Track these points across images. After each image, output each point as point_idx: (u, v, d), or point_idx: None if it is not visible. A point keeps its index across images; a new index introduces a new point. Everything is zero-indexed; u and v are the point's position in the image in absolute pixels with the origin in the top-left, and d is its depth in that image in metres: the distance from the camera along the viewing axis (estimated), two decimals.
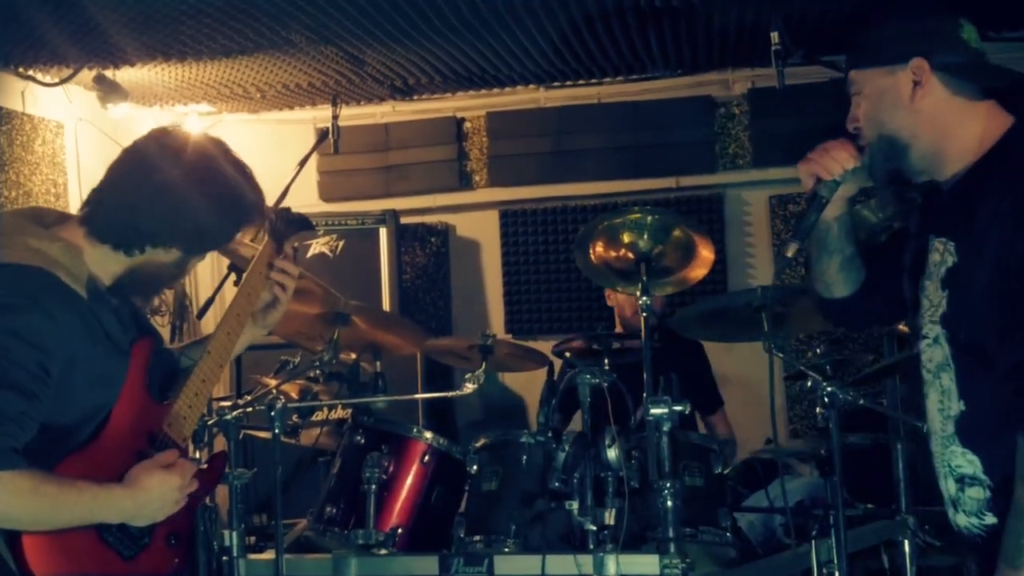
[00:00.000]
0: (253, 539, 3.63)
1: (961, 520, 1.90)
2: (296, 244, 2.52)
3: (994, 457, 1.83)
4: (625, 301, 4.17)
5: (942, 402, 1.90)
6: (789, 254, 2.01)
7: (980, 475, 1.85)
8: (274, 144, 5.51)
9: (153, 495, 1.96)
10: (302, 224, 2.50)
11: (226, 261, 3.08)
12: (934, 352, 1.91)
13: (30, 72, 4.45)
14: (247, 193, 2.13)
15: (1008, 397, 1.73)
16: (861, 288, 2.15)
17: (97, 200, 2.02)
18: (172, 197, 1.99)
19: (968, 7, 1.92)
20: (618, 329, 4.30)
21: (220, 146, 2.14)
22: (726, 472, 3.15)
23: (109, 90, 4.50)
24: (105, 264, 2.03)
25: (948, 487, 1.92)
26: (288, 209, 2.49)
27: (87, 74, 4.41)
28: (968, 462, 1.86)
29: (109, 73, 4.43)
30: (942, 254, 1.88)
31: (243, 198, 2.12)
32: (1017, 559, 1.71)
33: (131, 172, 2.02)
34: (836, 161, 1.98)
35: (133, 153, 2.05)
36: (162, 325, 5.10)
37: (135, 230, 2.00)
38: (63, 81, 4.52)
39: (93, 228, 2.00)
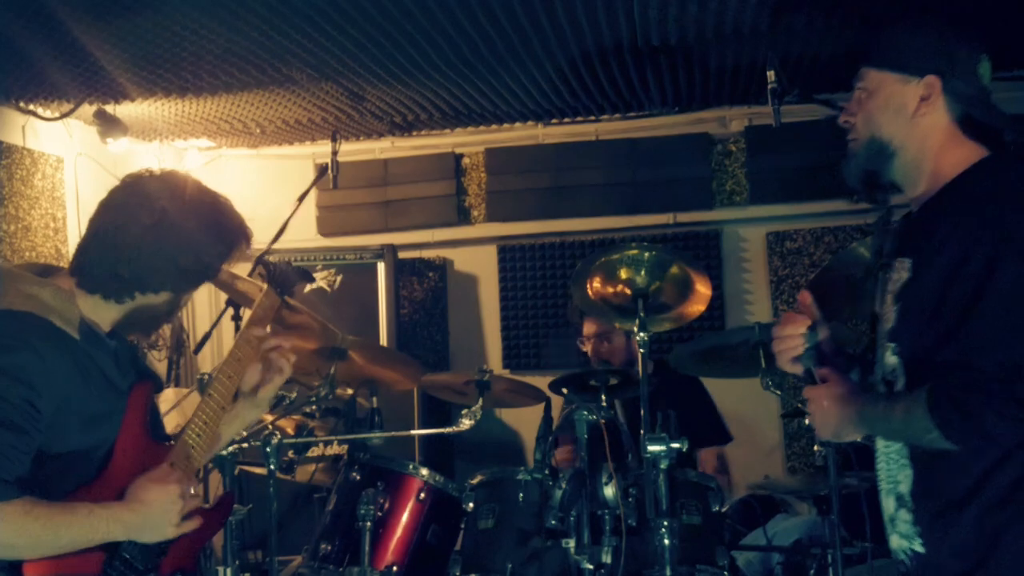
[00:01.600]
0: None
1: (895, 542, 1.93)
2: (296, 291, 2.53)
3: (925, 473, 1.85)
4: (589, 347, 4.18)
5: None
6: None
7: (908, 496, 1.88)
8: (274, 179, 5.53)
9: (154, 507, 1.97)
10: (302, 276, 2.52)
11: (224, 296, 3.09)
12: (879, 372, 1.96)
13: (31, 107, 4.47)
14: (226, 224, 2.13)
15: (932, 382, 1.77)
16: None
17: (82, 254, 2.05)
18: (151, 245, 2.01)
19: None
20: None
21: (193, 183, 2.14)
22: (724, 510, 3.13)
23: (109, 125, 4.53)
24: (99, 312, 2.05)
25: (888, 505, 1.94)
26: (288, 262, 2.51)
27: (87, 109, 4.44)
28: (906, 477, 1.89)
29: (109, 108, 4.45)
30: (899, 272, 1.92)
31: (223, 231, 2.12)
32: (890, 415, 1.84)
33: (109, 225, 2.03)
34: (793, 338, 2.05)
35: (108, 205, 2.06)
36: (159, 360, 5.09)
37: (120, 281, 2.02)
38: (63, 116, 4.54)
39: (82, 281, 2.03)
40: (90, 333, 2.01)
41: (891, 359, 1.91)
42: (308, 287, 4.95)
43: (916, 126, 1.95)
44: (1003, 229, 1.76)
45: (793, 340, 2.05)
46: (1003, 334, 1.72)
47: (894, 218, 2.08)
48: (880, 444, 1.96)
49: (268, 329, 2.38)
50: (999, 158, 1.93)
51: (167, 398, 4.38)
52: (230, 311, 3.64)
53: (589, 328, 4.14)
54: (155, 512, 1.97)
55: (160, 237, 2.02)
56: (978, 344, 1.73)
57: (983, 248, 1.75)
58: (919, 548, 1.87)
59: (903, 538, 1.90)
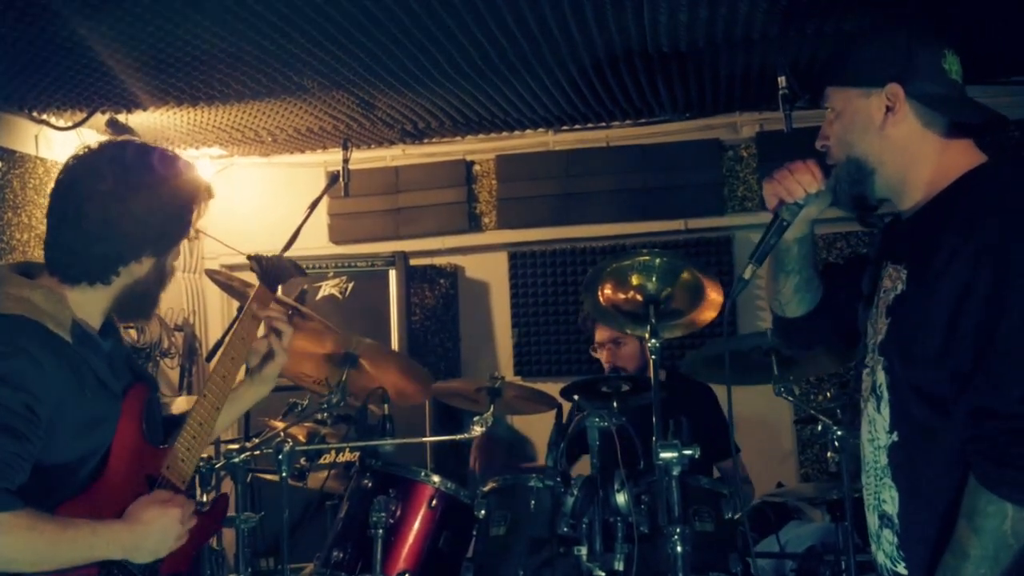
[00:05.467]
0: None
1: (880, 558, 1.88)
2: (306, 286, 2.55)
3: (911, 495, 1.80)
4: (603, 355, 4.17)
5: (870, 432, 1.89)
6: (746, 276, 2.01)
7: (894, 517, 1.82)
8: (285, 187, 5.55)
9: (152, 528, 1.96)
10: (294, 269, 2.52)
11: (236, 303, 3.10)
12: (867, 380, 1.90)
13: (43, 116, 4.50)
14: (180, 173, 2.11)
15: (964, 441, 1.69)
16: (814, 310, 2.13)
17: (53, 247, 2.02)
18: (116, 212, 1.98)
19: (971, 54, 1.91)
20: None
21: (133, 144, 2.12)
22: (737, 517, 3.12)
23: (121, 134, 4.54)
24: (89, 303, 2.03)
25: (872, 520, 1.90)
26: (279, 255, 2.51)
27: (100, 118, 4.46)
28: (891, 498, 1.83)
29: (121, 117, 4.47)
30: (894, 280, 1.86)
31: (179, 179, 2.10)
32: None
33: (68, 209, 2.00)
34: (800, 184, 1.95)
35: (60, 191, 2.04)
36: (171, 367, 5.10)
37: (99, 258, 2.00)
38: (76, 125, 4.56)
39: (63, 275, 2.01)
40: (83, 336, 1.98)
41: (881, 373, 1.85)
42: (319, 295, 5.00)
43: (888, 138, 1.86)
44: (1008, 258, 1.66)
45: (797, 187, 1.95)
46: (1019, 371, 1.63)
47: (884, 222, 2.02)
48: (868, 455, 1.90)
49: (261, 325, 2.39)
50: (997, 165, 1.83)
51: (179, 405, 4.40)
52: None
53: (602, 335, 4.13)
54: (154, 534, 1.96)
55: (122, 201, 1.99)
56: (997, 384, 1.65)
57: (986, 279, 1.66)
58: (902, 571, 1.82)
59: (887, 557, 1.85)
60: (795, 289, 2.11)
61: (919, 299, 1.77)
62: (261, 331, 2.40)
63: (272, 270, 2.44)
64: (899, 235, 1.92)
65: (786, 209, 1.98)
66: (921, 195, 1.87)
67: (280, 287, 2.51)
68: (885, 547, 1.85)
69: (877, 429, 1.86)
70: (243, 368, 2.37)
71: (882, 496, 1.85)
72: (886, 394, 1.83)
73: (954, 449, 1.71)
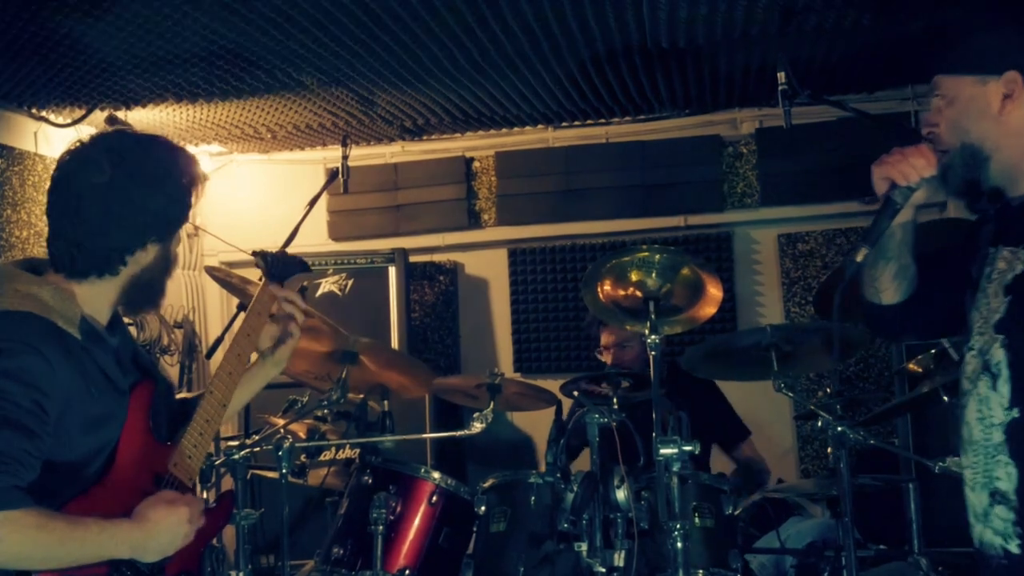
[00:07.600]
0: None
1: (987, 536, 1.88)
2: (306, 283, 2.55)
3: None
4: (608, 357, 4.17)
5: (980, 410, 1.89)
6: (859, 258, 1.97)
7: (1011, 494, 1.83)
8: (285, 184, 5.55)
9: (161, 527, 1.96)
10: (299, 266, 2.52)
11: (235, 301, 3.10)
12: (975, 361, 1.90)
13: (43, 113, 4.50)
14: (176, 156, 2.10)
15: None
16: (910, 298, 2.12)
17: (57, 245, 2.01)
18: (117, 201, 1.98)
19: None
20: None
21: (124, 133, 2.12)
22: (737, 513, 3.12)
23: None
24: (98, 297, 2.02)
25: (979, 499, 1.89)
26: (284, 252, 2.51)
27: (99, 115, 4.45)
28: (1007, 475, 1.84)
29: (121, 114, 4.46)
30: (1010, 262, 1.88)
31: (175, 164, 2.09)
32: None
33: (67, 204, 2.00)
34: (914, 168, 1.95)
35: (57, 187, 2.03)
36: (171, 364, 5.10)
37: (104, 250, 2.00)
38: (75, 122, 4.56)
39: (69, 270, 2.00)
40: (91, 332, 1.98)
41: (998, 351, 1.86)
42: (319, 291, 4.99)
43: (1006, 124, 1.91)
44: None
45: (911, 170, 1.94)
46: None
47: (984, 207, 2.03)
48: (977, 433, 1.90)
49: (266, 321, 2.39)
50: None
51: None
52: (241, 315, 3.65)
53: (607, 338, 4.13)
54: (162, 534, 1.96)
55: (121, 190, 1.98)
56: None
57: None
58: (1015, 549, 1.82)
59: (997, 535, 1.85)
60: (894, 276, 2.09)
61: None
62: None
63: (277, 266, 2.44)
64: (1013, 219, 1.95)
65: (898, 192, 1.96)
66: None
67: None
68: (996, 524, 1.85)
69: (992, 407, 1.87)
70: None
71: (995, 473, 1.85)
72: (1005, 371, 1.85)
73: None
